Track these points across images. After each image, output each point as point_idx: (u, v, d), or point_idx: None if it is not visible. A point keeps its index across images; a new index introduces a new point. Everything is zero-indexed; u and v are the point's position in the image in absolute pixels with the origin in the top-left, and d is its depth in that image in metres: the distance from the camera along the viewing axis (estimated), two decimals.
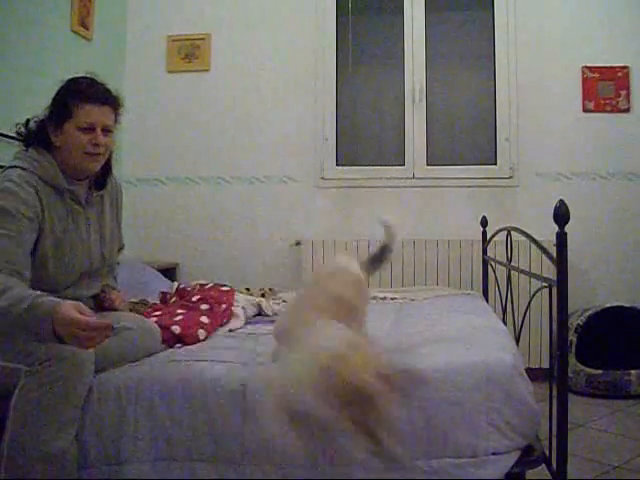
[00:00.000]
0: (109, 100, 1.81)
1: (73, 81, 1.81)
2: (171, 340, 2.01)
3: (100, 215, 1.96)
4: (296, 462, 1.57)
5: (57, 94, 1.81)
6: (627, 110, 3.67)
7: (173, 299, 2.60)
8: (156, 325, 2.01)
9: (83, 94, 1.76)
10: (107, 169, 1.94)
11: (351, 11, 3.94)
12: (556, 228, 1.75)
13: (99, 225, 1.94)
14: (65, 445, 1.56)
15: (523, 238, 2.29)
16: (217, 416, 1.64)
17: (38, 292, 1.56)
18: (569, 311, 1.87)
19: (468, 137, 3.99)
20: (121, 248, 2.21)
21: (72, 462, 1.58)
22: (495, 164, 3.83)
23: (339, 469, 1.59)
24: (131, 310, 2.25)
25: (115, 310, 1.99)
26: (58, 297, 1.62)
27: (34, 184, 1.72)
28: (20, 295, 1.53)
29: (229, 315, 2.36)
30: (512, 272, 2.60)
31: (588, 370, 3.25)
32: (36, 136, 1.80)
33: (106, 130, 1.80)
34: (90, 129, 1.76)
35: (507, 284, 2.61)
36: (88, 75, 1.84)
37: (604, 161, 3.71)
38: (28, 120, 1.85)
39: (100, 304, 2.00)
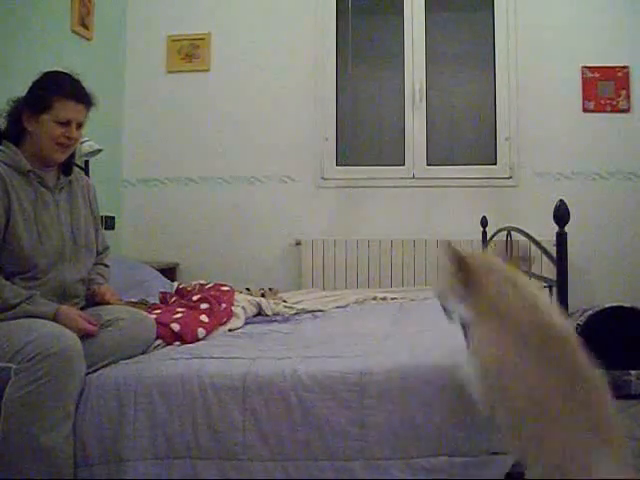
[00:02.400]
0: (87, 99, 1.91)
1: (55, 75, 1.89)
2: (170, 338, 2.01)
3: (71, 201, 2.00)
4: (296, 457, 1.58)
5: (37, 85, 1.87)
6: (627, 110, 3.67)
7: (173, 299, 2.60)
8: (149, 315, 2.02)
9: (66, 90, 1.85)
10: (71, 156, 2.02)
11: (351, 11, 3.94)
12: (556, 228, 1.75)
13: (70, 210, 1.98)
14: (58, 441, 1.56)
15: (523, 238, 2.29)
16: (217, 412, 1.64)
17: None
18: (569, 311, 1.86)
19: (468, 137, 3.98)
20: (106, 248, 2.24)
21: (67, 458, 1.59)
22: (495, 164, 3.83)
23: (338, 464, 1.59)
24: None
25: (107, 304, 2.00)
26: (42, 282, 1.79)
27: None
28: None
29: (229, 314, 2.36)
30: None
31: None
32: (8, 124, 1.88)
33: (78, 125, 1.90)
34: (66, 123, 1.85)
35: None
36: (67, 71, 1.92)
37: (604, 161, 3.71)
38: None
39: (92, 299, 2.03)
